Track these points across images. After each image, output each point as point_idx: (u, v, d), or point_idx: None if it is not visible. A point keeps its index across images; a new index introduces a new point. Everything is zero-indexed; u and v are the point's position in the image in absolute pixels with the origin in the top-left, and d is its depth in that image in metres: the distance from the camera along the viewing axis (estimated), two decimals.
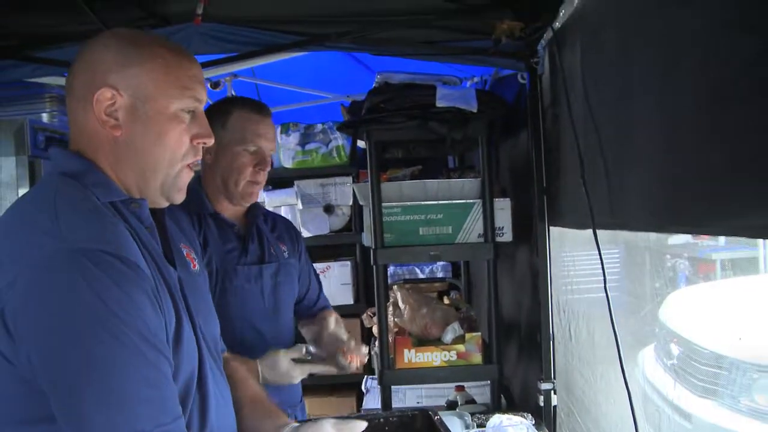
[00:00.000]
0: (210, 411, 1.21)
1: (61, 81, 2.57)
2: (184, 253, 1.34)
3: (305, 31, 2.22)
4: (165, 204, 1.27)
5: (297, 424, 1.35)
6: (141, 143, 1.19)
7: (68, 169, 1.17)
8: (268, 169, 1.99)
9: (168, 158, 1.21)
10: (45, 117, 2.57)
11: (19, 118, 2.41)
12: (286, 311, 2.09)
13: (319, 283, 2.29)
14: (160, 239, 1.25)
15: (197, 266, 1.37)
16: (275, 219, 2.23)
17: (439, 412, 1.96)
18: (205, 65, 2.37)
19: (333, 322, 2.07)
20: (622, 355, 1.54)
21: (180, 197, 1.27)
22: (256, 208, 2.09)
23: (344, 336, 1.99)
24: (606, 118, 1.64)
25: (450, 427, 1.83)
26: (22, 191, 2.39)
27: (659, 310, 3.26)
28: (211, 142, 1.27)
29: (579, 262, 2.32)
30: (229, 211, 2.02)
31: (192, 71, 1.23)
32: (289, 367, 1.86)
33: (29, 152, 2.39)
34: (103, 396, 0.99)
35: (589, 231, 1.70)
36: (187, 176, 1.26)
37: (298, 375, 1.88)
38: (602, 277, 1.68)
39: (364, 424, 1.39)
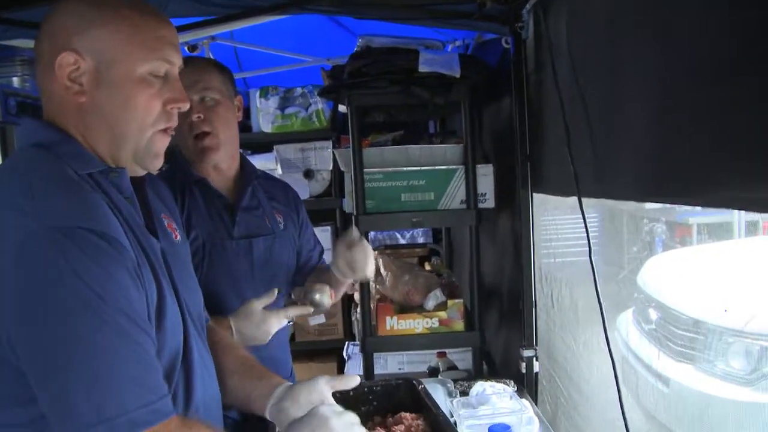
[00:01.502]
0: (195, 383, 1.20)
1: (31, 44, 2.48)
2: (166, 224, 1.31)
3: None
4: (141, 172, 1.23)
5: (290, 383, 1.35)
6: (107, 109, 1.14)
7: (41, 140, 1.14)
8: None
9: (137, 124, 1.16)
10: (16, 81, 2.49)
11: None
12: (280, 284, 1.98)
13: (321, 247, 2.21)
14: (141, 209, 1.22)
15: (179, 237, 1.34)
16: (273, 184, 2.13)
17: (422, 380, 1.97)
18: (183, 28, 2.30)
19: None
20: (606, 324, 1.55)
21: (156, 164, 1.23)
22: (249, 174, 2.00)
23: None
24: (592, 86, 1.62)
25: (433, 395, 1.84)
26: None
27: (638, 275, 3.30)
28: (186, 106, 1.22)
29: (561, 227, 2.32)
30: (217, 178, 1.92)
31: (160, 31, 1.17)
32: (262, 316, 1.75)
33: (0, 118, 2.32)
34: (87, 377, 0.98)
35: (572, 197, 1.69)
36: (162, 142, 1.21)
37: (275, 324, 1.77)
38: (587, 244, 1.67)
39: (357, 379, 1.40)
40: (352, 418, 1.27)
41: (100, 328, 0.99)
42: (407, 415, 1.74)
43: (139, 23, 1.14)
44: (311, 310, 1.86)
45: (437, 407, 1.68)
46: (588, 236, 1.64)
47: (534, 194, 2.24)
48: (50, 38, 1.14)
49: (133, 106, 1.14)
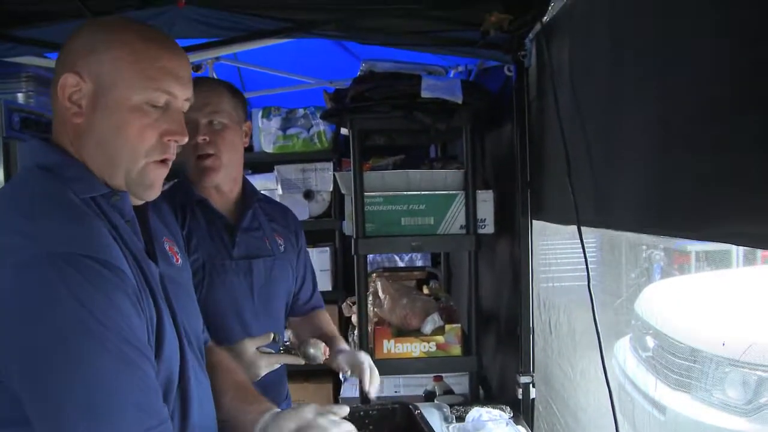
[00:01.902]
0: (192, 408, 1.20)
1: (38, 61, 2.51)
2: (167, 247, 1.31)
3: (291, 18, 2.17)
4: (138, 201, 1.22)
5: (278, 410, 1.34)
6: (101, 133, 1.14)
7: (44, 161, 1.15)
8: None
9: (129, 152, 1.15)
10: (21, 97, 2.51)
11: None
12: (277, 308, 2.01)
13: (315, 282, 2.21)
14: (141, 233, 1.22)
15: (180, 260, 1.34)
16: (274, 207, 2.15)
17: (418, 404, 1.97)
18: (188, 49, 2.32)
19: (333, 327, 2.05)
20: (603, 353, 1.55)
21: (150, 195, 1.22)
22: (251, 195, 2.01)
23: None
24: (594, 116, 1.64)
25: (429, 420, 1.84)
26: None
27: (636, 302, 3.30)
28: (184, 140, 1.21)
29: (560, 253, 2.33)
30: (219, 199, 1.93)
31: (162, 62, 1.16)
32: (254, 357, 1.73)
33: (4, 133, 2.32)
34: (86, 404, 0.97)
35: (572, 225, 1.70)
36: (156, 173, 1.20)
37: (264, 367, 1.75)
38: (585, 272, 1.68)
39: (346, 409, 1.38)
40: (350, 427, 1.28)
41: (101, 354, 0.99)
42: None
43: (142, 51, 1.14)
44: (302, 362, 1.85)
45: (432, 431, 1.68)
46: (587, 265, 1.64)
47: (533, 221, 2.26)
48: (61, 59, 1.17)
49: (125, 133, 1.14)
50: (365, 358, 1.93)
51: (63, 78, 1.13)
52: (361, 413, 1.88)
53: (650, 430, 2.71)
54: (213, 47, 2.25)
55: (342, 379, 3.19)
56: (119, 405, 0.99)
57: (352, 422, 1.76)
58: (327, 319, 2.16)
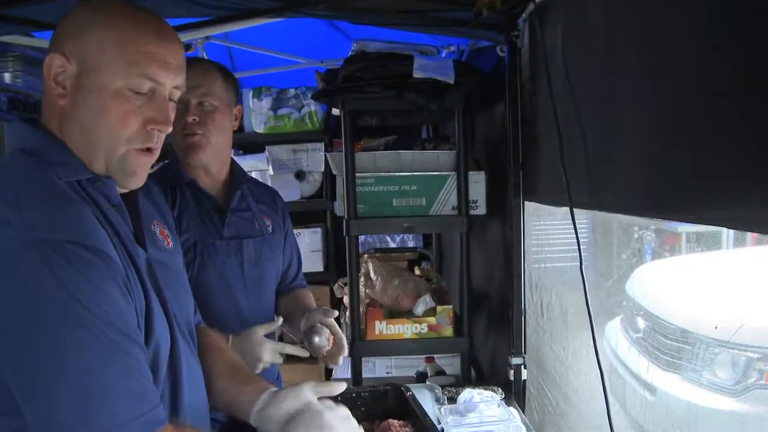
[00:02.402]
0: (182, 392, 1.20)
1: (25, 41, 2.47)
2: (157, 231, 1.30)
3: None
4: (122, 189, 1.20)
5: (276, 389, 1.33)
6: (82, 117, 1.12)
7: (28, 144, 1.13)
8: None
9: (109, 138, 1.13)
10: (7, 77, 2.49)
11: None
12: (267, 287, 2.04)
13: (300, 263, 2.23)
14: (130, 217, 1.21)
15: (171, 243, 1.33)
16: (262, 189, 2.16)
17: (410, 385, 1.97)
18: (178, 29, 2.29)
19: (314, 304, 2.05)
20: (596, 336, 1.55)
21: (132, 183, 1.19)
22: (239, 177, 2.02)
23: (330, 319, 1.91)
24: (587, 97, 1.63)
25: (421, 401, 1.84)
26: None
27: (626, 283, 3.32)
28: (167, 130, 1.18)
29: (552, 234, 2.33)
30: (207, 180, 1.94)
31: (148, 47, 1.13)
32: (260, 341, 1.75)
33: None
34: (76, 391, 0.96)
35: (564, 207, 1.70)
36: (139, 160, 1.17)
37: (268, 355, 1.76)
38: (577, 253, 1.67)
39: (343, 385, 1.38)
40: (345, 411, 1.28)
41: (90, 341, 0.98)
42: (395, 422, 1.74)
43: (128, 35, 1.11)
44: (307, 354, 1.88)
45: (425, 415, 1.69)
46: (579, 247, 1.64)
47: (525, 202, 2.25)
48: (52, 40, 1.15)
49: (106, 118, 1.12)
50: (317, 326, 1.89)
51: (49, 58, 1.12)
52: (353, 395, 1.88)
53: (641, 410, 2.73)
54: (203, 26, 2.22)
55: None
56: (110, 391, 0.98)
57: (346, 404, 1.77)
58: (308, 296, 2.18)
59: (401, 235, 4.03)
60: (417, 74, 2.30)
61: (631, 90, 1.38)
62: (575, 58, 1.70)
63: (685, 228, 4.58)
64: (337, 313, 1.96)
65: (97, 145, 1.13)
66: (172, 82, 1.17)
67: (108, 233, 1.09)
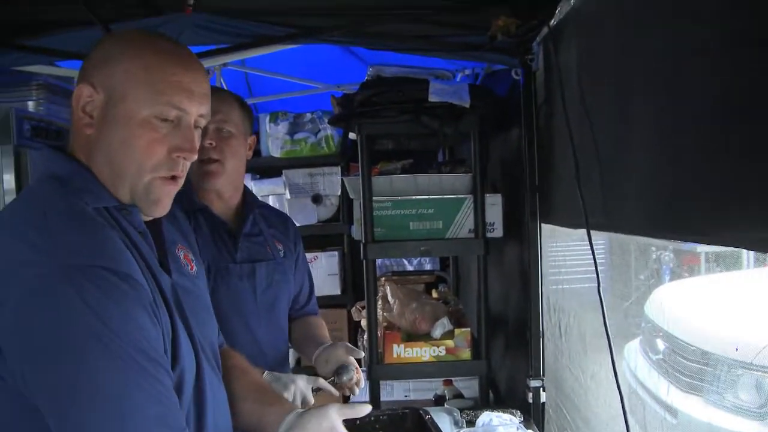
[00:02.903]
0: (207, 416, 1.20)
1: (49, 70, 2.52)
2: (181, 255, 1.31)
3: (298, 24, 2.18)
4: (146, 217, 1.20)
5: (302, 410, 1.34)
6: (109, 146, 1.13)
7: (56, 171, 1.15)
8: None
9: (134, 166, 1.14)
10: (31, 105, 2.53)
11: (4, 107, 2.37)
12: (280, 311, 2.06)
13: (312, 288, 2.25)
14: (155, 243, 1.21)
15: (195, 268, 1.34)
16: (274, 215, 2.19)
17: (428, 408, 1.97)
18: (208, 54, 2.34)
19: (327, 333, 2.09)
20: (614, 358, 1.55)
21: (157, 211, 1.20)
22: (251, 203, 2.06)
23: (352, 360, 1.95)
24: (602, 119, 1.63)
25: (439, 424, 1.83)
26: (7, 178, 2.35)
27: (645, 305, 3.29)
28: (193, 158, 1.19)
29: (569, 256, 2.33)
30: (220, 205, 1.97)
31: (176, 77, 1.14)
32: (292, 378, 1.78)
33: (14, 141, 2.34)
34: (105, 417, 0.97)
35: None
36: (163, 189, 1.18)
37: (302, 383, 1.79)
38: (594, 275, 1.67)
39: (368, 408, 1.38)
40: None
41: (119, 368, 0.98)
42: None
43: (154, 64, 1.13)
44: (337, 393, 1.91)
45: None
46: (596, 269, 1.64)
47: (542, 224, 2.25)
48: (80, 71, 1.17)
49: (132, 146, 1.13)
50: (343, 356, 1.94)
51: (78, 89, 1.14)
52: (371, 418, 1.87)
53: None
54: (221, 54, 2.26)
55: None
56: (140, 418, 0.99)
57: (363, 428, 1.78)
58: (320, 324, 2.20)
59: (418, 258, 4.03)
60: (432, 98, 2.32)
61: (643, 110, 1.38)
62: (589, 81, 1.71)
63: (704, 248, 4.52)
64: (363, 353, 1.98)
65: (123, 173, 1.14)
66: (198, 111, 1.18)
67: (136, 259, 1.10)
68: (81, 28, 2.02)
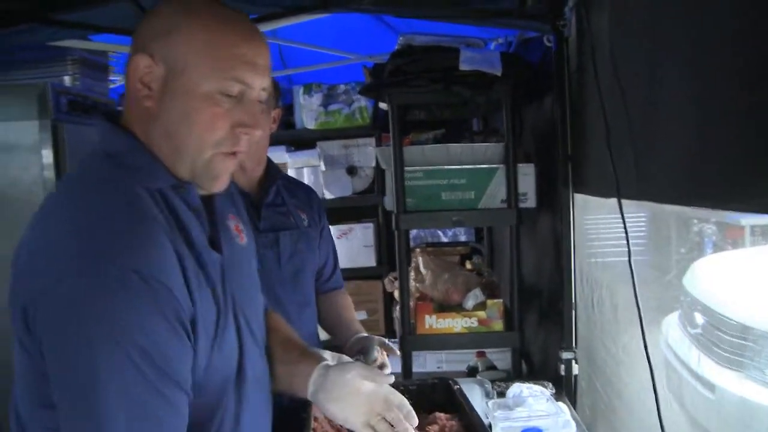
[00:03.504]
0: (244, 413, 1.18)
1: (82, 44, 2.55)
2: (232, 227, 1.27)
3: None
4: (202, 192, 1.17)
5: (328, 363, 1.35)
6: (168, 120, 1.08)
7: (111, 148, 1.11)
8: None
9: (195, 142, 1.09)
10: (67, 80, 2.57)
11: (41, 82, 2.41)
12: (306, 279, 2.07)
13: (336, 261, 2.26)
14: (207, 218, 1.18)
15: (245, 239, 1.30)
16: (297, 186, 2.20)
17: (460, 379, 1.97)
18: None
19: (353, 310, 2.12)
20: (645, 331, 1.52)
21: (216, 186, 1.16)
22: (273, 173, 2.06)
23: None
24: (633, 86, 1.59)
25: (470, 395, 1.83)
26: (45, 153, 2.40)
27: (684, 278, 3.22)
28: (257, 135, 1.14)
29: (603, 228, 2.28)
30: (241, 178, 1.96)
31: (240, 49, 1.08)
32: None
33: (52, 116, 2.39)
34: (91, 419, 0.96)
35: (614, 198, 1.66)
36: (224, 164, 1.13)
37: (328, 356, 1.83)
38: (626, 247, 1.64)
39: (391, 378, 1.38)
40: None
41: (122, 372, 0.96)
42: (441, 415, 1.74)
43: (217, 37, 1.07)
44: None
45: (472, 408, 1.68)
46: (627, 240, 1.61)
47: (575, 194, 2.21)
48: (135, 39, 1.11)
49: (194, 121, 1.08)
50: (374, 341, 1.98)
51: (135, 59, 1.08)
52: (401, 388, 1.88)
53: (699, 408, 2.65)
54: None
55: None
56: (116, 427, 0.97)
57: None
58: (347, 304, 2.22)
59: (453, 230, 4.01)
60: (463, 67, 2.28)
61: (676, 77, 1.34)
62: (621, 47, 1.66)
63: (748, 221, 4.41)
64: (398, 352, 1.99)
65: (183, 149, 1.10)
66: (261, 84, 1.13)
67: (180, 240, 1.07)
68: (110, 2, 2.03)
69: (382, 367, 1.87)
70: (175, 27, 1.07)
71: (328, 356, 1.75)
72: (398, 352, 1.97)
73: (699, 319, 2.98)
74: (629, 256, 1.59)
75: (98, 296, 0.96)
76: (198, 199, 1.15)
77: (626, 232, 1.62)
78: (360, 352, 1.91)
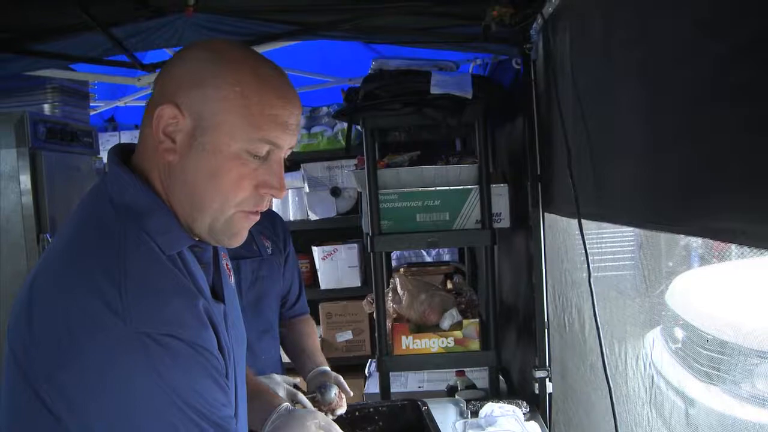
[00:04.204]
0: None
1: (62, 74, 2.59)
2: (225, 266, 1.24)
3: (298, 21, 2.21)
4: (215, 243, 1.13)
5: (288, 407, 1.42)
6: (191, 176, 1.03)
7: (131, 203, 1.04)
8: None
9: (219, 201, 1.04)
10: (46, 108, 2.61)
11: (19, 110, 2.44)
12: (267, 306, 2.08)
13: (302, 287, 2.26)
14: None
15: (232, 276, 1.29)
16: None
17: (436, 399, 1.99)
18: None
19: (317, 338, 2.12)
20: (604, 348, 1.55)
21: (234, 243, 1.11)
22: None
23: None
24: (592, 109, 1.62)
25: (446, 415, 1.86)
26: (23, 179, 2.43)
27: (666, 293, 3.23)
28: (281, 195, 1.10)
29: (577, 248, 2.30)
30: None
31: (275, 110, 1.03)
32: (277, 381, 1.80)
33: (30, 144, 2.42)
34: None
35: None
36: (243, 222, 1.09)
37: (282, 392, 1.81)
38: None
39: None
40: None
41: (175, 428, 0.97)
42: None
43: (252, 95, 1.01)
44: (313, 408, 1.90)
45: (437, 429, 1.70)
46: (587, 259, 1.63)
47: (548, 214, 2.24)
48: (162, 83, 1.06)
49: (220, 181, 1.03)
50: (332, 380, 1.96)
51: (160, 108, 1.02)
52: (371, 410, 1.91)
53: (680, 422, 2.65)
54: None
55: (367, 375, 3.22)
56: None
57: (365, 419, 1.82)
58: (310, 331, 2.22)
59: (437, 250, 4.04)
60: (434, 90, 2.32)
61: (628, 100, 1.37)
62: (581, 70, 1.70)
63: None
64: (351, 393, 1.97)
65: (205, 206, 1.05)
66: (289, 144, 1.09)
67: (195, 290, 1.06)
68: (84, 32, 2.07)
69: (335, 409, 1.86)
70: (209, 79, 1.02)
71: (283, 393, 1.77)
72: (351, 393, 1.95)
73: (679, 334, 3.00)
74: (589, 276, 1.62)
75: (151, 369, 0.95)
76: (210, 257, 1.14)
77: (586, 253, 1.65)
78: (319, 390, 1.89)
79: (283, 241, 2.18)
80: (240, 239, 1.11)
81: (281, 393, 1.79)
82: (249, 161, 1.03)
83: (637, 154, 1.34)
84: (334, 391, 1.88)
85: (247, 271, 2.01)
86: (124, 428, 0.96)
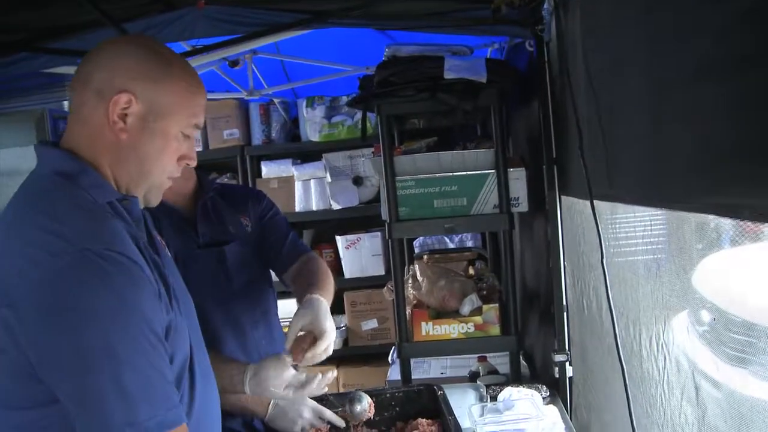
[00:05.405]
0: (197, 387, 1.27)
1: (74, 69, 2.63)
2: (158, 237, 1.41)
3: (309, 9, 2.21)
4: (141, 205, 1.33)
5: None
6: (142, 152, 1.26)
7: (63, 169, 1.22)
8: None
9: (158, 170, 1.29)
10: (66, 105, 2.64)
11: (39, 108, 2.48)
12: (257, 289, 2.01)
13: (293, 233, 2.13)
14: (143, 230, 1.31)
15: (166, 249, 1.45)
16: (233, 191, 2.13)
17: (457, 385, 1.99)
18: (223, 45, 2.41)
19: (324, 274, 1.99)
20: (616, 330, 1.53)
21: (156, 202, 1.36)
22: (205, 187, 1.99)
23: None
24: (602, 88, 1.60)
25: (464, 400, 1.86)
26: None
27: (693, 275, 3.18)
28: (193, 164, 1.37)
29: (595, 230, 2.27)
30: (171, 195, 1.82)
31: (202, 100, 1.33)
32: (301, 401, 1.81)
33: (49, 140, 2.46)
34: (125, 390, 1.07)
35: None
36: (166, 185, 1.35)
37: (307, 413, 1.83)
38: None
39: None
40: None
41: (134, 343, 1.10)
42: (423, 421, 1.77)
43: (191, 90, 1.29)
44: (344, 424, 1.88)
45: (451, 413, 1.70)
46: (600, 242, 1.61)
47: (565, 197, 2.21)
48: (109, 72, 1.23)
49: (163, 156, 1.28)
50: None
51: (117, 96, 1.21)
52: (387, 395, 1.92)
53: (708, 406, 2.62)
54: (234, 44, 2.30)
55: (390, 362, 3.23)
56: (142, 391, 1.09)
57: (379, 405, 1.82)
58: (313, 268, 2.04)
59: (460, 236, 4.02)
60: (448, 75, 2.30)
61: (634, 80, 1.35)
62: (591, 49, 1.67)
63: None
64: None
65: (149, 176, 1.29)
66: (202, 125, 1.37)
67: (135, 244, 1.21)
68: (98, 28, 2.10)
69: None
70: (160, 75, 1.25)
71: (309, 414, 1.86)
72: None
73: (705, 317, 2.95)
74: (602, 257, 1.60)
75: (96, 280, 1.08)
76: (140, 212, 1.32)
77: (599, 234, 1.63)
78: (348, 402, 1.86)
79: (257, 201, 2.10)
80: (158, 200, 1.36)
81: (306, 414, 1.83)
82: (182, 140, 1.30)
83: (643, 134, 1.32)
84: (365, 401, 1.86)
85: (233, 254, 1.94)
86: (91, 338, 1.06)
